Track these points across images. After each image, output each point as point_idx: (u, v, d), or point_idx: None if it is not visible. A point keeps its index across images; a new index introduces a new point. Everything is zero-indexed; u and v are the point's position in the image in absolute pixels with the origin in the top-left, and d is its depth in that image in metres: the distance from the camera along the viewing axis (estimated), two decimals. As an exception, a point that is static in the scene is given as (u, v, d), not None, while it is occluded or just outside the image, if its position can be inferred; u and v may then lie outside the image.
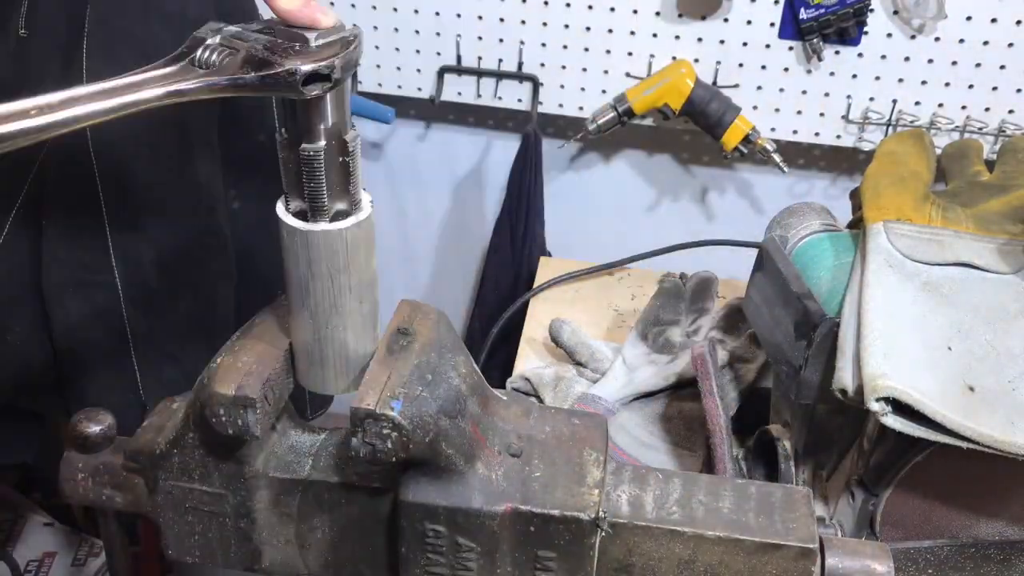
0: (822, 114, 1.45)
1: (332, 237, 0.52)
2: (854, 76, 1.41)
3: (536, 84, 1.49)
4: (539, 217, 1.59)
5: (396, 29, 1.49)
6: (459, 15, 1.45)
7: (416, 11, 1.46)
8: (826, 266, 0.83)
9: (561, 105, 1.51)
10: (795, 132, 1.48)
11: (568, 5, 1.42)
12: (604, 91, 1.48)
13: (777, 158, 1.43)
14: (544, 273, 1.43)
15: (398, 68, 1.52)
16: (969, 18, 1.33)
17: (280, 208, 0.53)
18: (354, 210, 0.53)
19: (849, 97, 1.43)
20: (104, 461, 0.65)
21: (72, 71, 0.91)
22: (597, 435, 0.60)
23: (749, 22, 1.39)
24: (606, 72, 1.47)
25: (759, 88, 1.44)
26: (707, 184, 1.63)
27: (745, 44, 1.41)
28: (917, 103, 1.42)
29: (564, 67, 1.48)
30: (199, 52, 0.48)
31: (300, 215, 0.52)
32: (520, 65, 1.48)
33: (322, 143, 0.50)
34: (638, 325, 1.11)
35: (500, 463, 0.57)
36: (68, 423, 0.65)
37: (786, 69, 1.42)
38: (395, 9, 1.46)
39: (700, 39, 1.41)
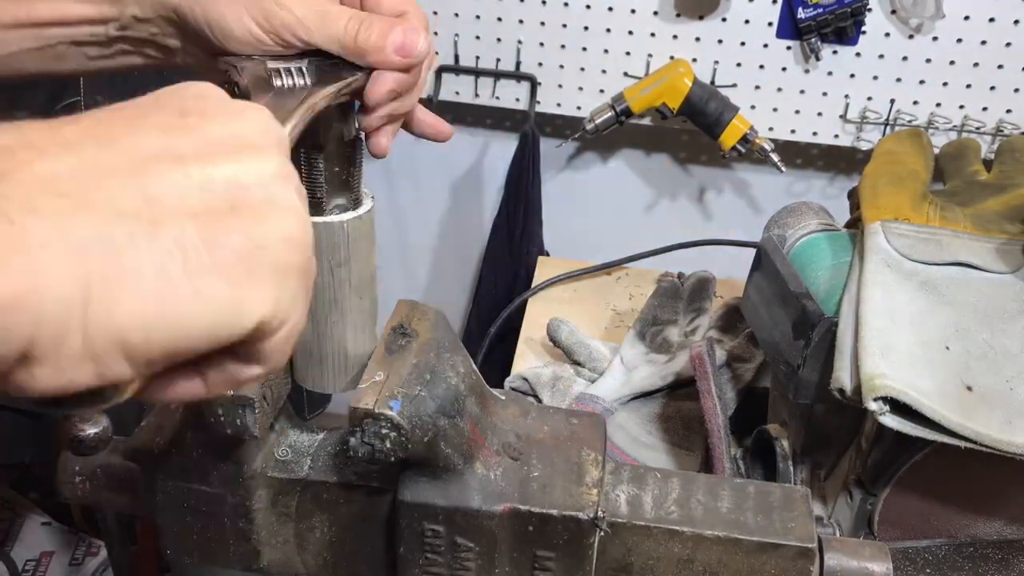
0: (820, 113, 1.45)
1: (333, 229, 0.52)
2: (852, 76, 1.41)
3: (534, 84, 1.49)
4: (537, 217, 1.59)
5: (394, 28, 1.48)
6: (457, 14, 1.45)
7: (414, 10, 1.46)
8: (824, 266, 0.83)
9: (559, 105, 1.51)
10: (793, 131, 1.48)
11: (566, 5, 1.42)
12: (602, 90, 1.48)
13: (775, 157, 1.43)
14: (542, 273, 1.43)
15: (396, 67, 1.52)
16: (967, 18, 1.33)
17: None
18: (356, 205, 0.53)
19: (847, 96, 1.43)
20: (101, 462, 0.65)
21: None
22: (595, 435, 0.60)
23: (747, 22, 1.39)
24: (604, 72, 1.47)
25: (757, 88, 1.44)
26: (705, 184, 1.63)
27: (743, 44, 1.41)
28: (915, 102, 1.42)
29: (562, 67, 1.48)
30: (276, 81, 0.48)
31: None
32: (518, 65, 1.48)
33: (326, 138, 0.51)
34: (636, 325, 1.11)
35: (498, 463, 0.56)
36: (64, 423, 0.65)
37: (784, 69, 1.42)
38: (393, 8, 1.46)
39: (698, 38, 1.41)
